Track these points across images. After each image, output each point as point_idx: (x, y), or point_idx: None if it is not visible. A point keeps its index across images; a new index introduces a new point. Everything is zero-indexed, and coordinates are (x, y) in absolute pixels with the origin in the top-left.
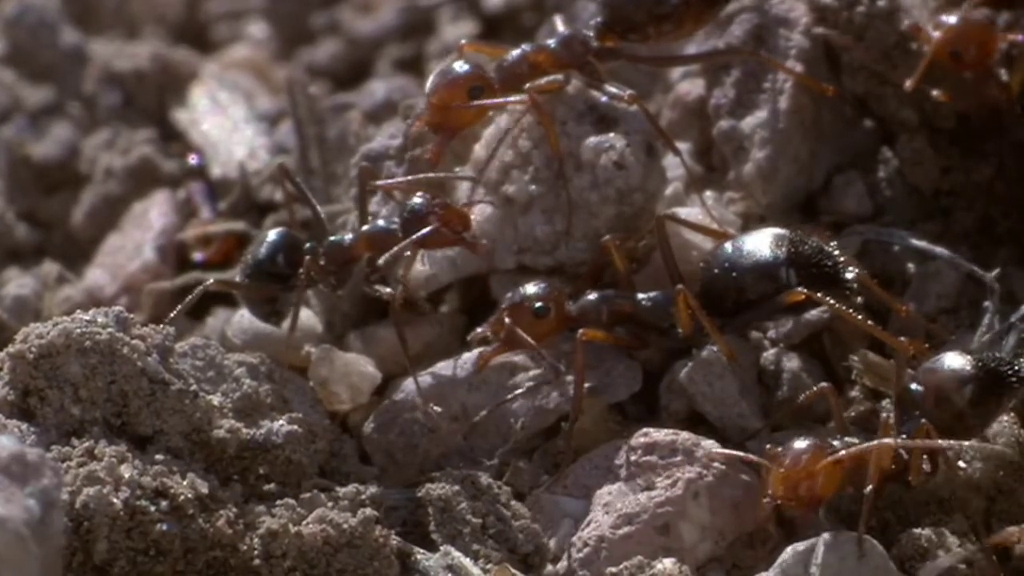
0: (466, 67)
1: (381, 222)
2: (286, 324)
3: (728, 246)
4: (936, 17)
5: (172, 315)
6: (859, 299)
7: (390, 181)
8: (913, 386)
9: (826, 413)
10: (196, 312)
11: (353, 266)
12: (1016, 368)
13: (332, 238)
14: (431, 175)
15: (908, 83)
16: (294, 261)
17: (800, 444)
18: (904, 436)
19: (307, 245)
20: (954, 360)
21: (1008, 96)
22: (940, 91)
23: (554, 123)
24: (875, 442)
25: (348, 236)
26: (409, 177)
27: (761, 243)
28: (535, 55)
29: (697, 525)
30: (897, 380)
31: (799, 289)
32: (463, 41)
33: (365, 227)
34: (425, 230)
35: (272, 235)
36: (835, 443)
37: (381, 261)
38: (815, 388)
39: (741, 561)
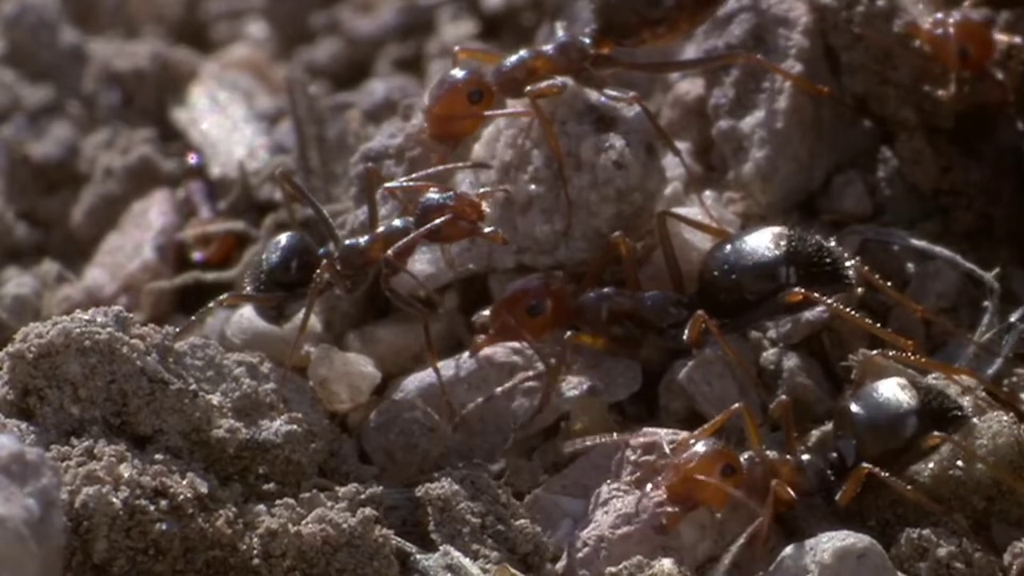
0: (463, 73)
1: (397, 222)
2: (288, 326)
3: (726, 246)
4: (933, 16)
5: (186, 326)
6: (859, 291)
7: (398, 183)
8: (853, 407)
9: (826, 413)
10: (195, 311)
11: (369, 269)
12: (959, 405)
13: (348, 241)
14: (438, 168)
15: (943, 93)
16: (307, 267)
17: (701, 448)
18: (836, 454)
19: (321, 250)
20: (896, 392)
21: (1004, 96)
22: (943, 91)
23: (553, 125)
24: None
25: (364, 238)
26: (417, 174)
27: (760, 242)
28: (533, 61)
29: (696, 524)
30: (855, 390)
31: (797, 289)
32: (456, 48)
33: (380, 228)
34: (438, 220)
35: (283, 241)
36: (743, 457)
37: (390, 251)
38: (730, 408)
39: (740, 560)
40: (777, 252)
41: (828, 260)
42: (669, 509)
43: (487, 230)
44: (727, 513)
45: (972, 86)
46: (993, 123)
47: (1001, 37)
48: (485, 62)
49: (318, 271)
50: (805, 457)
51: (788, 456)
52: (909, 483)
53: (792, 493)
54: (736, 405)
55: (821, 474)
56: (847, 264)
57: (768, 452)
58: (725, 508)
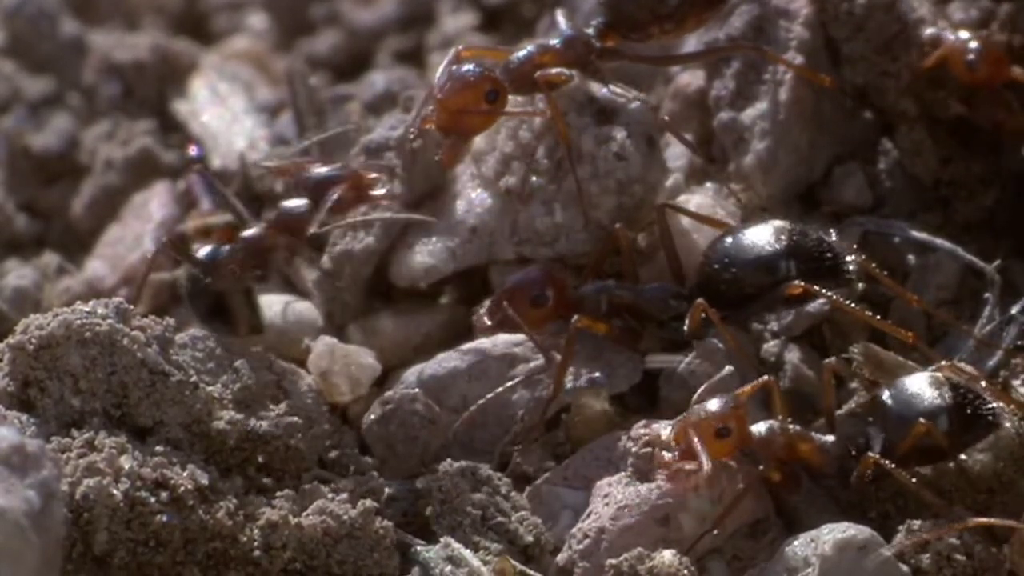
0: (478, 70)
1: (286, 203)
2: (287, 318)
3: (727, 239)
4: (957, 32)
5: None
6: (860, 286)
7: (277, 162)
8: (885, 397)
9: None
10: None
11: (273, 255)
12: (993, 409)
13: (244, 233)
14: (312, 139)
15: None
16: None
17: (714, 402)
18: (864, 440)
19: (225, 248)
20: (930, 389)
21: (1014, 124)
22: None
23: (563, 117)
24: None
25: (260, 226)
26: (292, 150)
27: (760, 235)
28: (540, 56)
29: (697, 516)
30: (868, 385)
31: (796, 282)
32: (460, 47)
33: (272, 212)
34: (335, 193)
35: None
36: (761, 425)
37: (308, 231)
38: (759, 379)
39: (741, 552)
40: (777, 246)
41: (828, 255)
42: (665, 454)
43: (377, 193)
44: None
45: (982, 104)
46: (999, 142)
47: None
48: (490, 59)
49: (227, 265)
50: (829, 438)
51: (813, 434)
52: (912, 475)
53: (778, 476)
54: (764, 377)
55: (843, 458)
56: (847, 259)
57: (792, 426)
58: (720, 466)
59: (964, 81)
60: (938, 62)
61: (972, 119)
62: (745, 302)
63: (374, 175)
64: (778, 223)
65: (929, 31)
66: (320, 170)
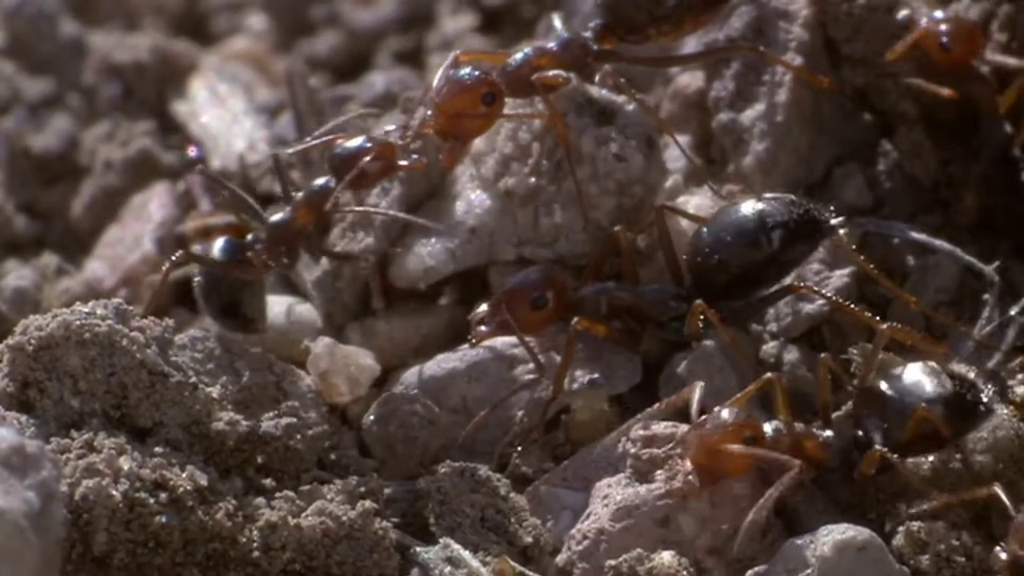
0: (475, 73)
1: (315, 182)
2: (287, 319)
3: (703, 231)
4: (929, 13)
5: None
6: (843, 231)
7: (297, 147)
8: (883, 386)
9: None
10: (195, 304)
11: (301, 239)
12: (988, 396)
13: (272, 219)
14: (331, 123)
15: (889, 54)
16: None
17: (725, 413)
18: (862, 433)
19: (250, 237)
20: (926, 378)
21: (991, 98)
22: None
23: (562, 118)
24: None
25: (287, 210)
26: (309, 139)
27: (732, 215)
28: (538, 59)
29: (697, 517)
30: (867, 366)
31: (798, 283)
32: (458, 52)
33: (298, 194)
34: (359, 165)
35: (217, 247)
36: (767, 426)
37: (327, 206)
38: (762, 377)
39: (741, 553)
40: (754, 220)
41: (804, 211)
42: (691, 478)
43: (403, 163)
44: (728, 506)
45: (957, 83)
46: (977, 120)
47: (997, 57)
48: (489, 62)
49: (251, 255)
50: (829, 433)
51: (814, 431)
52: (913, 472)
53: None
54: (768, 375)
55: (845, 452)
56: (820, 208)
57: (795, 425)
58: (745, 478)
59: (940, 62)
60: (910, 48)
61: (953, 94)
62: (742, 287)
63: (401, 142)
64: (747, 200)
65: (902, 14)
66: (346, 144)
